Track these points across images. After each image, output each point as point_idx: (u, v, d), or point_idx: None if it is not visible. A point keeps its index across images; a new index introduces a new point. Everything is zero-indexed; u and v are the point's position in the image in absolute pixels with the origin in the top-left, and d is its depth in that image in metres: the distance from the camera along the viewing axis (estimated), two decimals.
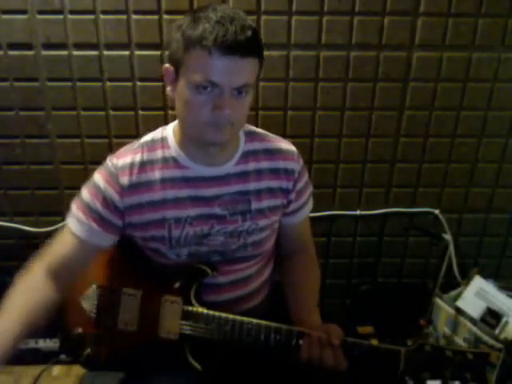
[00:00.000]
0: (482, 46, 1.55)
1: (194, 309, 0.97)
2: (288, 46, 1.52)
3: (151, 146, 1.00)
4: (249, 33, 0.83)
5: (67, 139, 1.59)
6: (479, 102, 1.63)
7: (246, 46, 0.83)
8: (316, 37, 1.51)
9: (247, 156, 1.03)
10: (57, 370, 1.72)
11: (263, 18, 1.48)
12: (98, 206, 0.97)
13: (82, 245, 0.98)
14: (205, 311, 0.96)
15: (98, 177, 0.98)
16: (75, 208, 1.00)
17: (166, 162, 0.98)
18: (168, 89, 0.92)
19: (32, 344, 1.71)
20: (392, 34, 1.52)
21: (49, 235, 1.63)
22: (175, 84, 0.90)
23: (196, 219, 0.99)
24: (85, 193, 1.00)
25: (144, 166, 0.98)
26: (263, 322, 0.93)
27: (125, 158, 0.98)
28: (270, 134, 1.10)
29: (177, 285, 0.99)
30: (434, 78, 1.58)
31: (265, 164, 1.04)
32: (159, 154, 0.99)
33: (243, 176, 1.02)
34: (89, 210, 0.98)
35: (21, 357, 1.70)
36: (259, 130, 1.10)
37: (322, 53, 1.54)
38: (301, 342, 0.90)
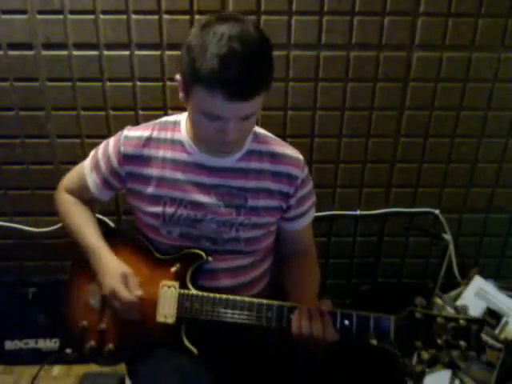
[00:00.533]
0: (481, 46, 1.55)
1: (190, 292, 1.00)
2: (288, 46, 1.52)
3: (163, 125, 1.07)
4: (257, 73, 0.84)
5: (67, 139, 1.59)
6: (479, 102, 1.63)
7: (252, 90, 0.85)
8: (316, 37, 1.51)
9: (251, 154, 1.05)
10: (57, 369, 1.72)
11: (263, 17, 1.48)
12: (104, 167, 1.08)
13: (88, 190, 1.11)
14: (199, 293, 0.99)
15: (112, 141, 1.09)
16: (91, 158, 1.12)
17: (173, 143, 1.04)
18: (180, 95, 0.94)
19: (32, 344, 1.71)
20: (392, 33, 1.52)
21: (49, 235, 1.68)
22: (186, 98, 0.92)
23: (190, 203, 1.03)
24: (101, 149, 1.10)
25: (149, 141, 1.04)
26: (255, 300, 0.96)
27: (136, 131, 1.06)
28: (280, 140, 1.12)
29: (173, 269, 1.02)
30: (434, 78, 1.58)
31: (267, 166, 1.06)
32: (169, 134, 1.05)
33: (243, 172, 1.04)
34: (97, 168, 1.09)
35: (21, 357, 1.70)
36: (269, 134, 1.11)
37: (322, 53, 1.54)
38: (291, 316, 0.93)
